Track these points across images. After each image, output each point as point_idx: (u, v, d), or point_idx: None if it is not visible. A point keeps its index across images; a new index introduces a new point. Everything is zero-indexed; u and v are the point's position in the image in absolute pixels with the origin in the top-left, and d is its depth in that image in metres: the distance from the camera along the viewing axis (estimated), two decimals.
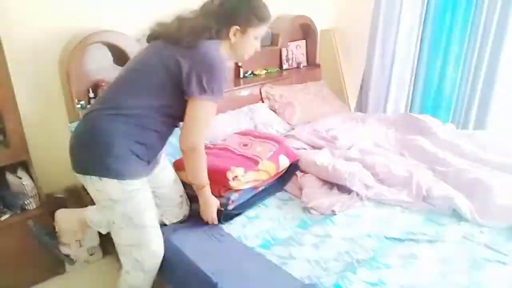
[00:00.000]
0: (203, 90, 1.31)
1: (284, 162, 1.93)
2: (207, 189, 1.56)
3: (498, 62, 2.35)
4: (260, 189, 1.85)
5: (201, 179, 1.51)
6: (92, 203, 1.54)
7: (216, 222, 1.63)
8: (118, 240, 1.45)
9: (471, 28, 2.45)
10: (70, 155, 1.40)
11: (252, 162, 1.81)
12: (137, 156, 1.35)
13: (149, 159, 1.43)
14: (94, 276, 2.03)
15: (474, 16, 2.43)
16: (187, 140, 1.38)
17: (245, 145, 1.96)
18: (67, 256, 1.73)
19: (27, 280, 1.93)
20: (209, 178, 1.55)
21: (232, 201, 1.70)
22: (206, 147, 1.80)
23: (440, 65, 2.72)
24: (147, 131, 1.36)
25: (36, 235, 1.68)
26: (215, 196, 1.63)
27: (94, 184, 1.34)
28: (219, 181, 1.66)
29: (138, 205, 1.38)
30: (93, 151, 1.33)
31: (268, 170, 1.84)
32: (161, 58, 1.36)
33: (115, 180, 1.31)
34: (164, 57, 1.36)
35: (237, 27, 1.40)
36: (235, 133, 2.21)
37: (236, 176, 1.69)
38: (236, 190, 1.72)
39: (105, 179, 1.31)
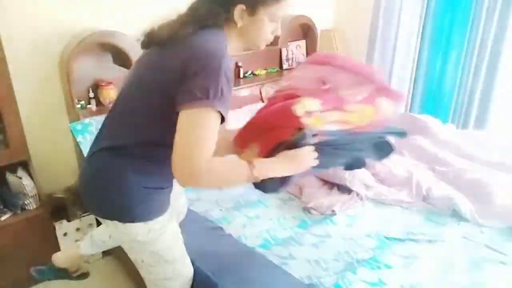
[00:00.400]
0: (197, 94, 0.95)
1: (387, 106, 1.26)
2: (264, 164, 1.09)
3: (498, 62, 2.35)
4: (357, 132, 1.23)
5: (242, 176, 1.06)
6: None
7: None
8: (149, 275, 1.29)
9: (471, 28, 2.46)
10: (84, 198, 1.21)
11: (335, 100, 1.19)
12: (155, 188, 1.15)
13: (168, 184, 1.21)
14: (94, 276, 2.03)
15: (474, 16, 2.43)
16: (183, 169, 0.97)
17: (325, 82, 1.26)
18: (82, 275, 1.72)
19: (27, 280, 1.92)
20: (269, 128, 1.18)
21: (314, 135, 1.14)
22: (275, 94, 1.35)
23: (440, 65, 2.72)
24: (158, 163, 1.12)
25: (44, 278, 1.62)
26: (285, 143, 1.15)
27: (117, 227, 1.16)
28: (284, 126, 1.17)
29: (167, 241, 1.20)
30: (108, 199, 1.13)
31: (362, 113, 1.21)
32: (153, 71, 1.07)
33: (141, 223, 1.13)
34: (156, 69, 1.07)
35: (243, 6, 1.05)
36: (308, 63, 1.47)
37: (309, 112, 1.13)
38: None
39: (129, 224, 1.13)
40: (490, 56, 2.37)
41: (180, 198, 1.55)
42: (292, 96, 1.22)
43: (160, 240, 1.17)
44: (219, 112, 0.97)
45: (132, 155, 1.10)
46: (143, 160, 1.11)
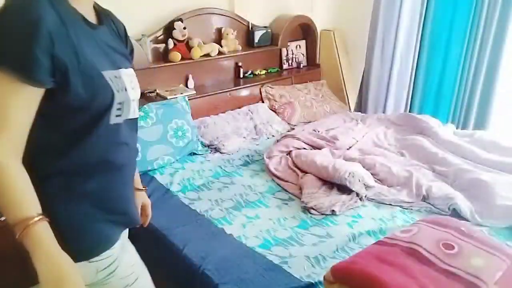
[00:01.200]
0: None
1: None
2: (41, 234, 0.75)
3: (499, 62, 2.34)
4: None
5: (9, 212, 0.77)
6: None
7: None
8: None
9: (471, 28, 2.45)
10: None
11: None
12: (94, 213, 0.87)
13: (110, 204, 0.91)
14: None
15: (474, 16, 2.42)
16: None
17: (448, 246, 1.21)
18: None
19: (27, 281, 1.92)
20: None
21: None
22: (389, 240, 1.27)
23: (440, 65, 2.71)
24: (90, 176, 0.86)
25: None
26: None
27: None
28: None
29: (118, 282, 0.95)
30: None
31: None
32: None
33: (84, 262, 0.86)
34: None
35: None
36: (424, 221, 1.40)
37: None
38: None
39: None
40: (490, 56, 2.37)
41: None
42: (414, 251, 1.19)
43: (113, 279, 0.92)
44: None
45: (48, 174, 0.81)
46: (70, 178, 0.83)
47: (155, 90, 2.43)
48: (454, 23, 2.57)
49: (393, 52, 2.84)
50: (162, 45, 2.43)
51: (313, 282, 1.31)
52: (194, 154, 2.28)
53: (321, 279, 1.30)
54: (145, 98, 2.35)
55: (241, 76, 2.86)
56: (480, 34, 2.39)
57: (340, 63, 3.19)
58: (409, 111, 2.92)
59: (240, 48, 2.73)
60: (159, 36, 2.42)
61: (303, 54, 3.22)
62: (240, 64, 2.84)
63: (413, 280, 1.09)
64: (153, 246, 1.65)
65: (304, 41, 3.20)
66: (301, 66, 3.21)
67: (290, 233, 1.60)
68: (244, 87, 2.79)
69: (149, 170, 2.08)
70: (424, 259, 1.17)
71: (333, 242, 1.53)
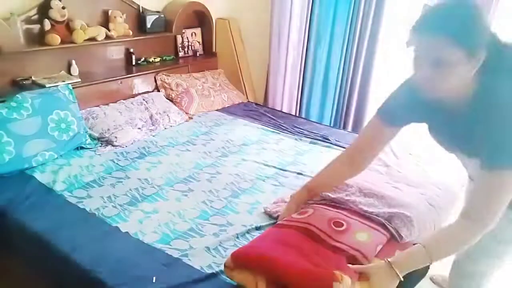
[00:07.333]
0: None
1: None
2: None
3: (373, 58, 2.60)
4: None
5: None
6: None
7: None
8: None
9: (350, 25, 2.65)
10: None
11: (354, 262, 1.19)
12: None
13: None
14: None
15: (353, 13, 2.62)
16: None
17: (338, 223, 1.33)
18: None
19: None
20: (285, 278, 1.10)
21: None
22: (286, 223, 1.35)
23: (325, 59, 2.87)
24: None
25: None
26: None
27: None
28: None
29: None
30: None
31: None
32: None
33: None
34: None
35: None
36: (318, 202, 1.49)
37: None
38: None
39: None
40: (366, 52, 2.61)
41: None
42: (307, 231, 1.28)
43: None
44: None
45: None
46: None
47: (31, 77, 2.13)
48: (336, 16, 2.73)
49: (287, 45, 2.86)
50: (37, 26, 2.14)
51: (214, 271, 1.31)
52: (82, 148, 2.08)
53: (222, 268, 1.31)
54: (18, 86, 2.04)
55: (134, 63, 2.69)
56: (358, 30, 2.61)
57: (236, 52, 3.22)
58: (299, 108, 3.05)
59: (131, 33, 2.55)
60: (33, 15, 2.12)
61: (199, 42, 3.17)
62: (131, 50, 2.66)
63: (306, 257, 1.17)
64: (36, 255, 1.48)
65: (199, 29, 3.14)
66: (198, 55, 3.16)
67: (191, 225, 1.57)
68: (137, 75, 2.63)
69: (27, 169, 1.84)
70: (317, 237, 1.27)
71: (234, 230, 1.55)
